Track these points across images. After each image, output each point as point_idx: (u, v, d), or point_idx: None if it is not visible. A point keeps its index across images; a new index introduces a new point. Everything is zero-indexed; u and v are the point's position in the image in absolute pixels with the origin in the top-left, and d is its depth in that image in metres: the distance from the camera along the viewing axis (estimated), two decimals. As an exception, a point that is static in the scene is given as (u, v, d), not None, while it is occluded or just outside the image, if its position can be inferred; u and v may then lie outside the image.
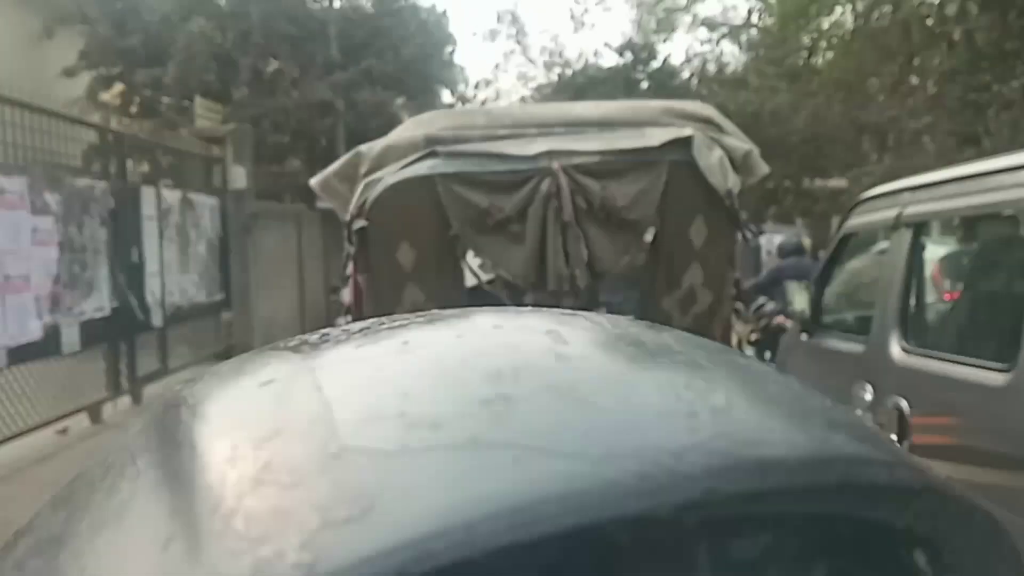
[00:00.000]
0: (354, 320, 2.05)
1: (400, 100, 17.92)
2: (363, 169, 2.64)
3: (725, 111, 13.85)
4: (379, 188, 2.53)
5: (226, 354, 11.08)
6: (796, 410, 0.47)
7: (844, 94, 22.46)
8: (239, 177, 10.99)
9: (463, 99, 21.96)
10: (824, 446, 0.41)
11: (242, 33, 16.23)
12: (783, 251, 10.10)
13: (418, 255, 2.57)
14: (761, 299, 9.42)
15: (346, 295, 2.93)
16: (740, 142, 2.83)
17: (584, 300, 2.58)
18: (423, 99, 18.50)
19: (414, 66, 18.04)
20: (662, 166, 2.55)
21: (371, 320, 0.62)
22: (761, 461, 0.38)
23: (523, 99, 31.86)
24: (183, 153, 10.20)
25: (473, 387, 0.44)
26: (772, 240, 15.71)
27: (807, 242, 12.25)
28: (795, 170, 25.97)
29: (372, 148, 2.72)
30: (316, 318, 15.10)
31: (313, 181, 3.07)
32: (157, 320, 8.72)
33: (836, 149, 24.27)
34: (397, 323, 0.59)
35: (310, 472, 0.40)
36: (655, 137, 2.58)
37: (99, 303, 7.42)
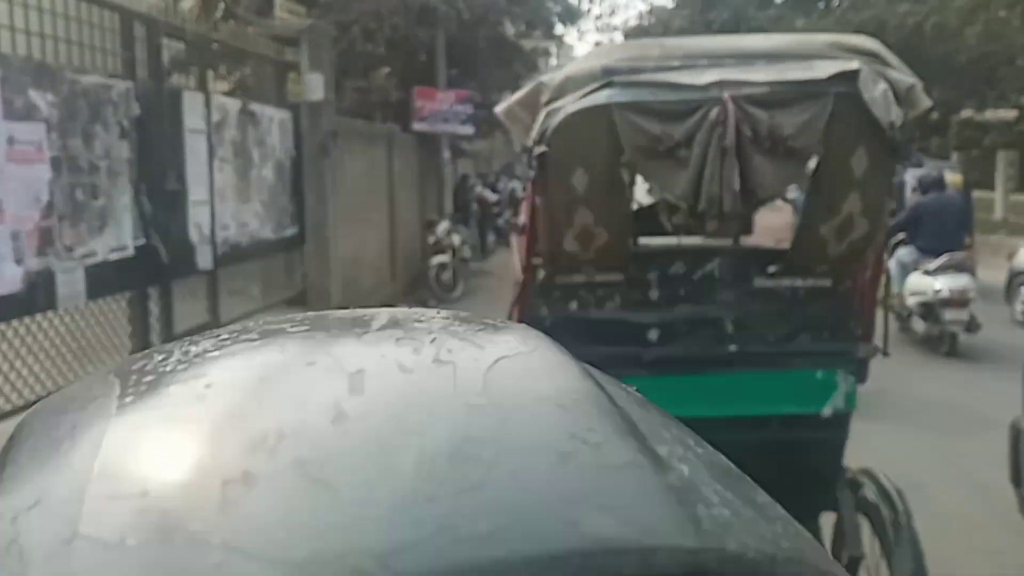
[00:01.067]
0: (529, 242, 2.94)
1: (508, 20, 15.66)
2: (544, 98, 2.76)
3: (884, 25, 12.19)
4: (560, 116, 2.64)
5: (300, 300, 9.37)
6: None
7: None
8: (316, 86, 9.06)
9: (579, 26, 19.66)
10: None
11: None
12: (923, 186, 9.52)
13: (591, 180, 2.67)
14: (900, 236, 9.07)
15: (523, 217, 3.22)
16: (905, 76, 2.72)
17: (730, 224, 2.81)
18: (536, 18, 16.32)
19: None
20: (828, 97, 2.59)
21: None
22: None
23: (640, 15, 29.70)
24: (244, 54, 8.28)
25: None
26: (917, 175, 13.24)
27: (957, 178, 11.11)
28: (961, 97, 22.89)
29: (553, 79, 2.81)
30: (409, 257, 13.30)
31: (498, 109, 3.11)
32: (205, 261, 6.89)
33: (1013, 72, 21.09)
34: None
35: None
36: (823, 69, 2.64)
37: (117, 240, 5.61)
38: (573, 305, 2.93)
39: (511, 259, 3.67)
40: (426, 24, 14.81)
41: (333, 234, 9.36)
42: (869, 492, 2.89)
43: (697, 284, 2.92)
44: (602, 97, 2.63)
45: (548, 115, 2.69)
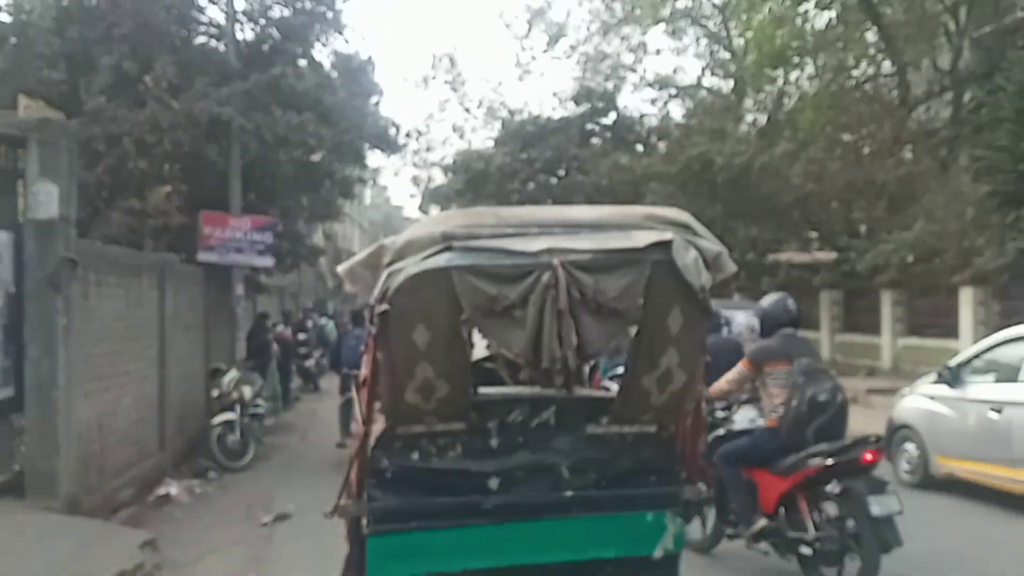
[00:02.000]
0: (370, 395, 3.07)
1: (319, 142, 13.88)
2: (386, 260, 2.88)
3: (710, 163, 13.38)
4: (401, 277, 2.78)
5: (13, 488, 6.75)
6: None
7: (840, 148, 19.57)
8: (48, 200, 6.78)
9: (393, 148, 18.31)
10: None
11: (105, 25, 12.08)
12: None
13: (432, 336, 2.79)
14: None
15: (363, 371, 3.30)
16: (712, 244, 3.07)
17: (572, 378, 3.05)
18: (344, 143, 14.74)
19: (335, 112, 14.06)
20: (646, 264, 2.86)
21: None
22: None
23: (458, 153, 29.21)
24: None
25: None
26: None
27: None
28: (786, 236, 22.97)
29: (395, 241, 2.94)
30: (187, 417, 10.72)
31: (340, 268, 3.21)
32: None
33: (832, 214, 21.36)
34: None
35: None
36: (640, 239, 2.89)
37: None
38: (415, 455, 2.94)
39: (319, 407, 4.17)
40: (217, 141, 12.75)
41: (65, 396, 6.86)
42: None
43: (534, 432, 3.05)
44: (442, 260, 2.81)
45: (390, 275, 2.81)
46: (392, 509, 2.97)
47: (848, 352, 20.21)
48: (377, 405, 3.05)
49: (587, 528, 3.02)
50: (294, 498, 8.45)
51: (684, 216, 3.08)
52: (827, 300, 21.20)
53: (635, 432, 3.11)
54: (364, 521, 3.03)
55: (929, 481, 8.98)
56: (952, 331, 16.71)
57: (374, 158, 21.55)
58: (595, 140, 27.32)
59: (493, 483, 3.00)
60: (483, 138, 36.28)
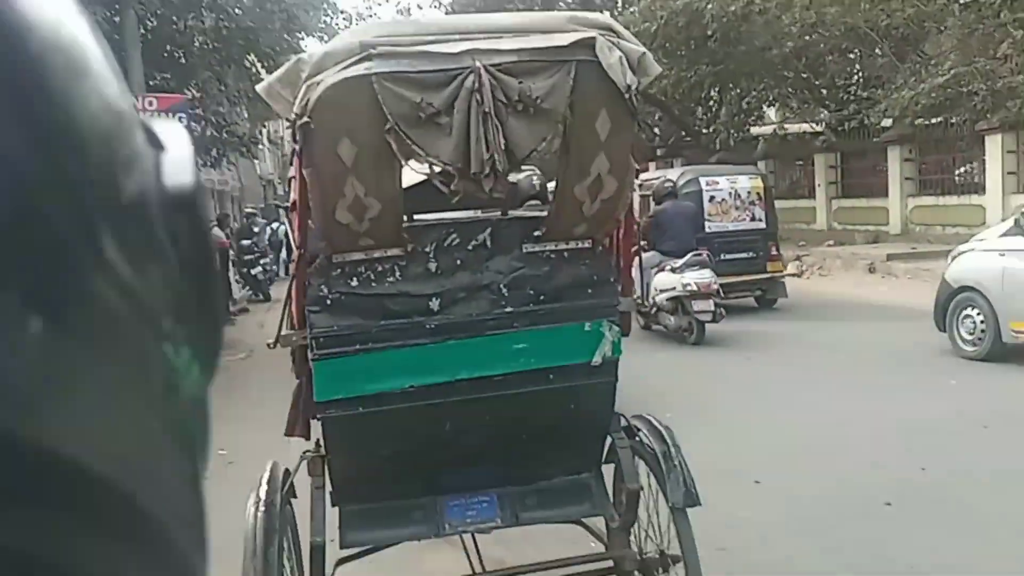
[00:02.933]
0: (301, 216, 2.92)
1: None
2: (304, 74, 2.80)
3: (700, 13, 8.86)
4: (320, 89, 2.71)
5: None
6: None
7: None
8: None
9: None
10: None
11: None
12: (657, 196, 10.85)
13: (358, 150, 2.75)
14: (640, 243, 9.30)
15: (292, 193, 3.22)
16: (635, 45, 2.98)
17: (503, 183, 2.87)
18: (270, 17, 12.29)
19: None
20: (571, 64, 2.84)
21: None
22: None
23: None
24: None
25: None
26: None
27: (757, 184, 12.61)
28: (781, 95, 20.95)
29: (312, 55, 2.88)
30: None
31: (259, 87, 3.07)
32: None
33: (829, 68, 19.24)
34: None
35: None
36: (563, 39, 2.88)
37: None
38: (354, 282, 2.94)
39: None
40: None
41: None
42: (642, 434, 3.19)
43: (471, 253, 3.02)
44: (361, 68, 2.73)
45: (309, 88, 2.74)
46: (335, 334, 2.91)
47: (848, 219, 18.55)
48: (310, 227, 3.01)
49: (527, 341, 3.05)
50: (232, 439, 6.45)
51: (606, 19, 3.11)
52: (823, 164, 19.38)
53: (570, 249, 3.11)
54: (309, 349, 2.97)
55: (1000, 351, 7.80)
56: (971, 187, 15.04)
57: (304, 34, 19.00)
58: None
59: (434, 304, 2.99)
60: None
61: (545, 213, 3.21)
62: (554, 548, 3.66)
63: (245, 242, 17.21)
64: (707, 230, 11.75)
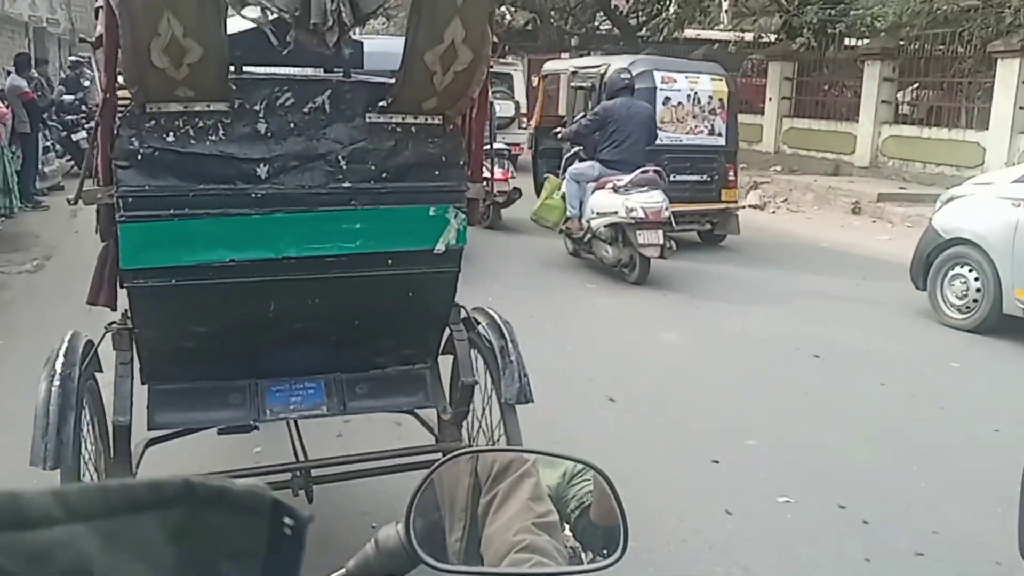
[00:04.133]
0: (108, 55, 2.54)
1: None
2: None
3: None
4: None
5: None
6: None
7: None
8: None
9: None
10: None
11: None
12: (610, 89, 8.49)
13: None
14: (573, 148, 8.63)
15: (99, 26, 2.78)
16: None
17: (346, 37, 2.67)
18: None
19: None
20: None
21: None
22: None
23: None
24: None
25: None
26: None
27: (720, 87, 9.93)
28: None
29: None
30: None
31: None
32: None
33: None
34: None
35: None
36: None
37: None
38: (170, 137, 2.65)
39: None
40: None
41: None
42: (481, 328, 3.10)
43: (307, 117, 2.77)
44: None
45: None
46: (146, 195, 2.61)
47: (801, 142, 15.98)
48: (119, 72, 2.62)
49: (365, 221, 2.80)
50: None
51: None
52: (777, 75, 16.64)
53: (418, 124, 2.84)
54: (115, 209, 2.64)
55: (995, 322, 6.23)
56: (968, 119, 12.55)
57: None
58: None
59: (261, 171, 2.68)
60: None
61: (391, 81, 2.88)
62: (386, 441, 3.50)
63: (68, 98, 13.74)
64: (658, 141, 9.09)
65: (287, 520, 0.35)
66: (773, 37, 17.78)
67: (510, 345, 3.01)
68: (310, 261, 2.76)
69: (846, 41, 16.20)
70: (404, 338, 3.08)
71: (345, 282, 2.83)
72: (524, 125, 13.67)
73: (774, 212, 11.92)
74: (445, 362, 3.23)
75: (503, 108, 13.24)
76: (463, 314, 3.17)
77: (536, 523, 1.11)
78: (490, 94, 3.19)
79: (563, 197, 8.52)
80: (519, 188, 9.88)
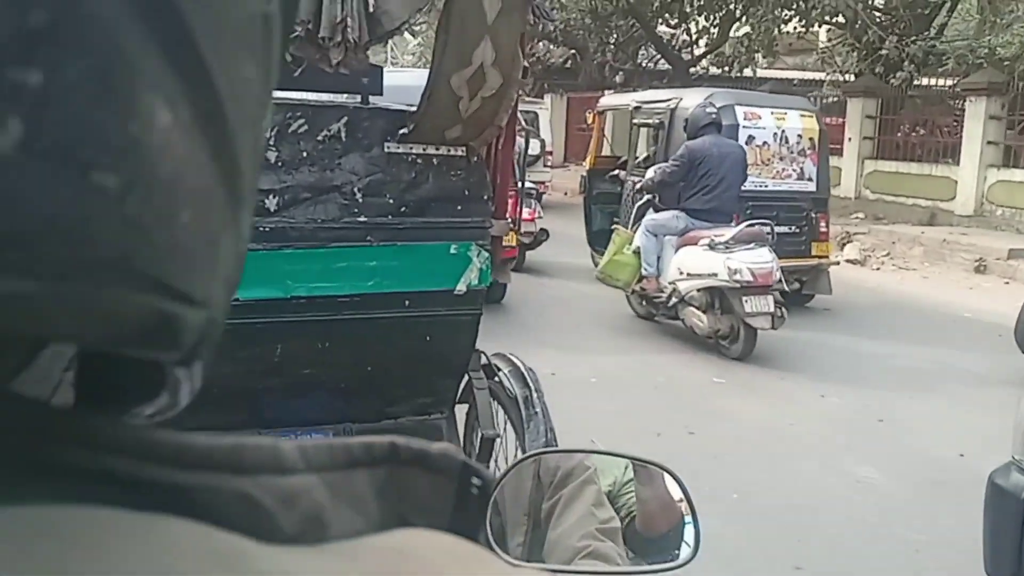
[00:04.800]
0: None
1: None
2: None
3: None
4: None
5: None
6: None
7: None
8: None
9: None
10: None
11: None
12: (692, 126, 7.22)
13: None
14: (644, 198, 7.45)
15: None
16: None
17: (362, 57, 2.55)
18: None
19: None
20: None
21: None
22: None
23: None
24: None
25: None
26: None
27: (811, 124, 8.67)
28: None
29: None
30: None
31: None
32: None
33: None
34: None
35: None
36: None
37: None
38: None
39: None
40: None
41: None
42: (503, 375, 2.91)
43: (322, 146, 2.65)
44: None
45: None
46: None
47: (888, 187, 14.30)
48: None
49: (381, 258, 2.69)
50: None
51: None
52: (857, 112, 15.04)
53: (440, 155, 2.71)
54: None
55: None
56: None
57: None
58: None
59: (271, 203, 2.53)
60: None
61: (412, 108, 2.75)
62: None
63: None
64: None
65: (475, 480, 0.38)
66: (852, 75, 16.23)
67: (535, 395, 2.83)
68: (321, 301, 2.64)
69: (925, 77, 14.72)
70: (420, 386, 2.95)
71: (358, 324, 2.70)
72: (548, 163, 13.12)
73: (877, 269, 10.26)
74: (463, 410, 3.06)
75: (533, 146, 12.23)
76: (483, 360, 2.97)
77: (600, 529, 1.13)
78: (520, 126, 2.97)
79: (636, 252, 7.21)
80: (546, 229, 9.15)
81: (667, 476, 1.14)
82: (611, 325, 7.36)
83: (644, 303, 7.44)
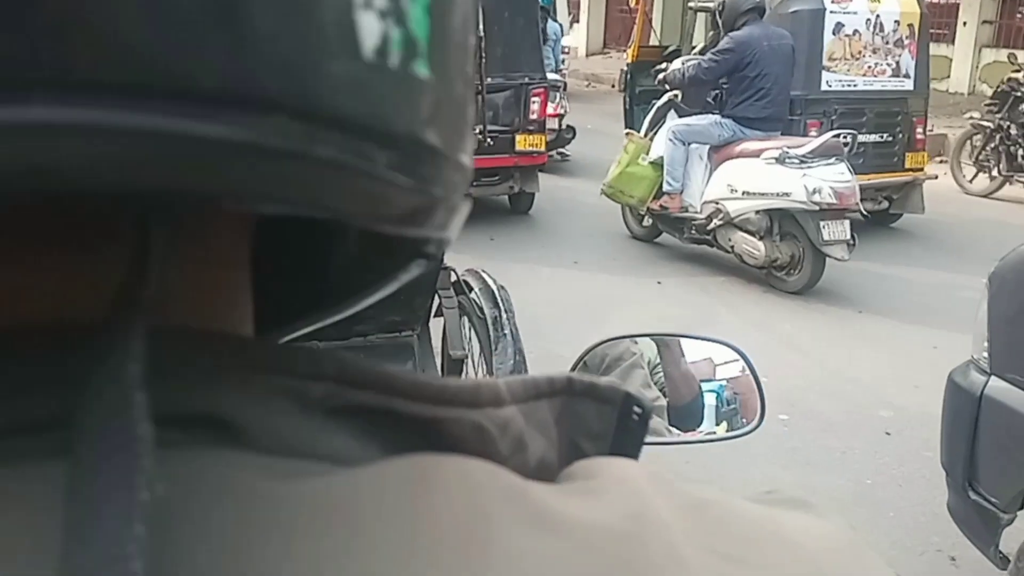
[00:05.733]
0: None
1: None
2: None
3: None
4: None
5: None
6: None
7: None
8: None
9: None
10: None
11: None
12: (731, 12, 5.99)
13: None
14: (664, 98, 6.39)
15: None
16: None
17: None
18: None
19: None
20: None
21: None
22: None
23: None
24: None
25: None
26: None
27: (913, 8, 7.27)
28: None
29: None
30: None
31: None
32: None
33: None
34: None
35: None
36: None
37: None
38: None
39: None
40: None
41: None
42: (474, 294, 2.93)
43: None
44: None
45: None
46: None
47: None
48: None
49: None
50: None
51: None
52: (970, -6, 13.07)
53: None
54: None
55: None
56: None
57: None
58: None
59: None
60: None
61: None
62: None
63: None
64: (823, 86, 6.69)
65: (636, 408, 0.43)
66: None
67: (504, 315, 2.79)
68: None
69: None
70: (387, 302, 1.32)
71: None
72: (566, 50, 12.03)
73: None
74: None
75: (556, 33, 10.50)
76: (453, 277, 2.88)
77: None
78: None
79: (653, 163, 6.13)
80: (572, 126, 8.49)
81: (683, 342, 1.30)
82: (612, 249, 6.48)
83: (654, 222, 6.44)
